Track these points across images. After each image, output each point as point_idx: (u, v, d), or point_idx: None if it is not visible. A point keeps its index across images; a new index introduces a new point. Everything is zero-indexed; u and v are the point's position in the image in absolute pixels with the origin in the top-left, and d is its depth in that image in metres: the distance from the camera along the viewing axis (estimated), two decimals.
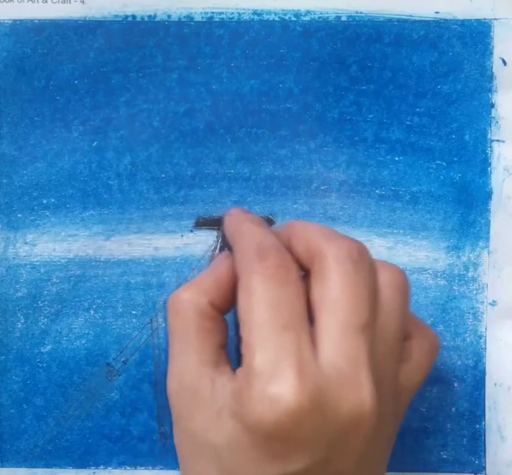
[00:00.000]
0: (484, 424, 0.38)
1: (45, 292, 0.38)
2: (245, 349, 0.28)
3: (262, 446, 0.27)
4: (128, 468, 0.38)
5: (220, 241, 0.38)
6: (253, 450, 0.27)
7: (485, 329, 0.38)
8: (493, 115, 0.38)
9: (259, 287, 0.28)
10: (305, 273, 0.30)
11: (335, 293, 0.28)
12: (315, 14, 0.38)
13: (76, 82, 0.38)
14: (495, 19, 0.38)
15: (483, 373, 0.38)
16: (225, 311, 0.32)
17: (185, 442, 0.31)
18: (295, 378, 0.26)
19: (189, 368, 0.30)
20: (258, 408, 0.26)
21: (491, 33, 0.38)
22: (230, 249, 0.33)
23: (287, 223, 0.33)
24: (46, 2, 0.38)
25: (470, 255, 0.38)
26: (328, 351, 0.27)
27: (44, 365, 0.38)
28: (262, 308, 0.27)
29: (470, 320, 0.38)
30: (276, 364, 0.26)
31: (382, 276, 0.30)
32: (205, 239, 0.38)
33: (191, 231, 0.38)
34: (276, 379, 0.26)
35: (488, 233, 0.38)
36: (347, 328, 0.27)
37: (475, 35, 0.38)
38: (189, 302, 0.30)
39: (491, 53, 0.38)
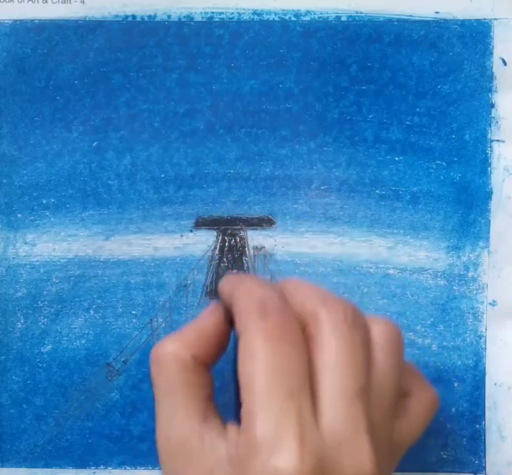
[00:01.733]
0: (484, 424, 0.38)
1: (45, 292, 0.38)
2: (245, 413, 0.27)
3: None
4: (128, 468, 0.38)
5: (219, 241, 0.38)
6: None
7: (485, 329, 0.38)
8: (493, 115, 0.38)
9: (261, 349, 0.27)
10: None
11: (332, 358, 0.28)
12: (315, 14, 0.38)
13: (76, 82, 0.38)
14: (495, 19, 0.38)
15: (483, 373, 0.38)
16: (211, 365, 0.31)
17: None
18: (297, 450, 0.26)
19: (176, 424, 0.30)
20: None
21: (491, 33, 0.38)
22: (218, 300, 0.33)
23: (282, 281, 0.32)
24: (46, 2, 0.38)
25: (470, 255, 0.38)
26: (328, 417, 0.27)
27: (44, 365, 0.38)
28: (264, 373, 0.27)
29: (470, 320, 0.38)
30: (278, 434, 0.26)
31: (375, 333, 0.30)
32: (205, 239, 0.38)
33: (191, 231, 0.38)
34: (278, 451, 0.26)
35: (488, 233, 0.38)
36: (345, 392, 0.27)
37: (475, 35, 0.38)
38: (171, 355, 0.30)
39: (491, 53, 0.38)
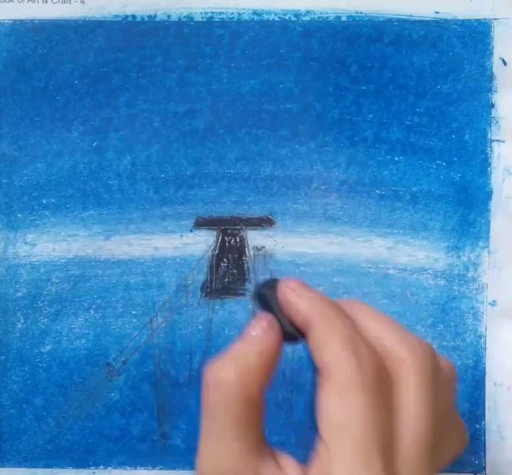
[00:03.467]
0: (484, 424, 0.38)
1: (45, 292, 0.38)
2: (326, 464, 0.26)
3: None
4: (128, 468, 0.38)
5: (219, 241, 0.38)
6: None
7: (485, 329, 0.38)
8: (493, 115, 0.38)
9: (358, 399, 0.26)
10: None
11: (417, 407, 0.27)
12: (315, 14, 0.38)
13: (76, 82, 0.38)
14: (495, 19, 0.38)
15: (483, 373, 0.38)
16: (268, 384, 0.28)
17: None
18: None
19: (230, 455, 0.27)
20: None
21: (491, 33, 0.38)
22: (265, 307, 0.29)
23: (344, 302, 0.30)
24: (46, 2, 0.38)
25: (470, 255, 0.38)
26: (405, 471, 0.26)
27: (44, 365, 0.38)
28: (356, 426, 0.26)
29: (470, 320, 0.38)
30: None
31: (444, 376, 0.29)
32: (205, 239, 0.38)
33: (191, 231, 0.38)
34: None
35: (488, 233, 0.38)
36: (424, 449, 0.27)
37: (475, 35, 0.38)
38: (237, 385, 0.27)
39: (491, 53, 0.38)
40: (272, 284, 0.29)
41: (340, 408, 0.26)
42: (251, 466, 0.27)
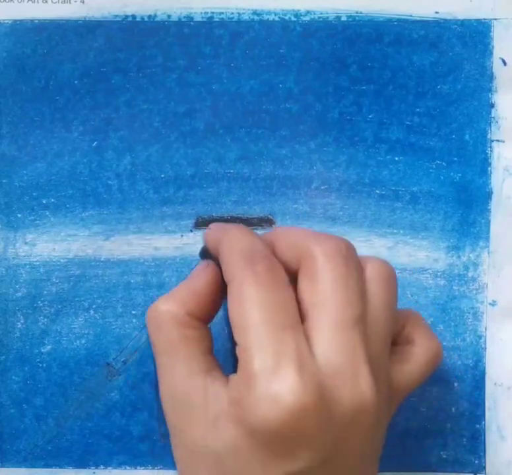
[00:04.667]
0: (484, 424, 0.38)
1: (45, 292, 0.38)
2: (241, 354, 0.28)
3: (267, 447, 0.27)
4: (128, 468, 0.38)
5: None
6: (258, 452, 0.27)
7: (485, 329, 0.38)
8: (493, 115, 0.38)
9: (252, 293, 0.28)
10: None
11: (327, 289, 0.28)
12: (315, 14, 0.38)
13: (76, 82, 0.38)
14: (495, 19, 0.38)
15: (483, 373, 0.38)
16: (207, 321, 0.32)
17: (184, 453, 0.30)
18: (296, 376, 0.26)
19: (179, 379, 0.30)
20: (262, 409, 0.26)
21: (491, 33, 0.38)
22: (209, 258, 0.33)
23: (269, 232, 0.33)
24: (46, 2, 0.38)
25: (470, 255, 0.38)
26: (324, 348, 0.27)
27: (44, 365, 0.38)
28: (257, 311, 0.27)
29: (470, 320, 0.38)
30: (275, 364, 0.26)
31: (369, 270, 0.30)
32: None
33: (191, 231, 0.38)
34: (277, 378, 0.26)
35: (488, 233, 0.38)
36: (341, 323, 0.28)
37: (475, 35, 0.38)
38: (166, 313, 0.31)
39: (491, 53, 0.38)
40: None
41: (236, 305, 0.28)
42: (198, 385, 0.29)
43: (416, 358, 0.32)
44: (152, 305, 0.31)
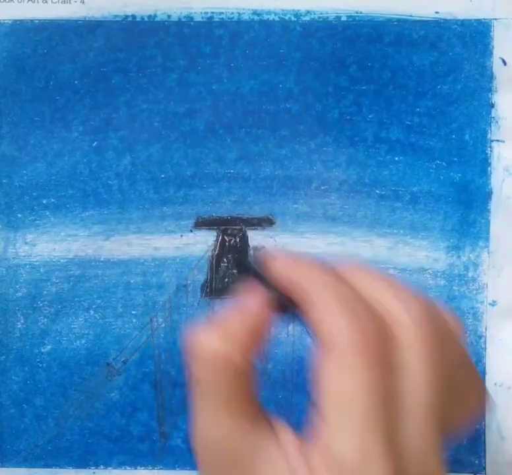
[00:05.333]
0: (484, 424, 0.38)
1: (45, 292, 0.38)
2: (324, 428, 0.25)
3: None
4: (128, 468, 0.38)
5: (219, 241, 0.38)
6: None
7: (485, 329, 0.38)
8: (493, 115, 0.38)
9: (361, 371, 0.24)
10: None
11: (422, 375, 0.25)
12: (315, 14, 0.38)
13: (76, 82, 0.38)
14: (495, 19, 0.38)
15: (483, 373, 0.38)
16: (258, 356, 0.27)
17: None
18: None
19: (223, 431, 0.26)
20: None
21: (491, 33, 0.38)
22: (251, 272, 0.28)
23: (338, 263, 0.28)
24: (46, 2, 0.38)
25: (470, 255, 0.38)
26: (411, 438, 0.25)
27: (44, 365, 0.38)
28: (364, 397, 0.24)
29: (470, 320, 0.38)
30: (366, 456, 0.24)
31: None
32: (205, 239, 0.38)
33: (191, 231, 0.38)
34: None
35: (488, 233, 0.38)
36: (429, 412, 0.25)
37: (475, 35, 0.38)
38: (221, 354, 0.26)
39: (491, 53, 0.38)
40: (258, 255, 0.28)
41: (342, 378, 0.24)
42: (246, 441, 0.26)
43: (468, 404, 0.28)
44: (198, 333, 0.26)
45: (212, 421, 0.26)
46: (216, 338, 0.26)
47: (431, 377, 0.25)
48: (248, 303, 0.27)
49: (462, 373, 0.27)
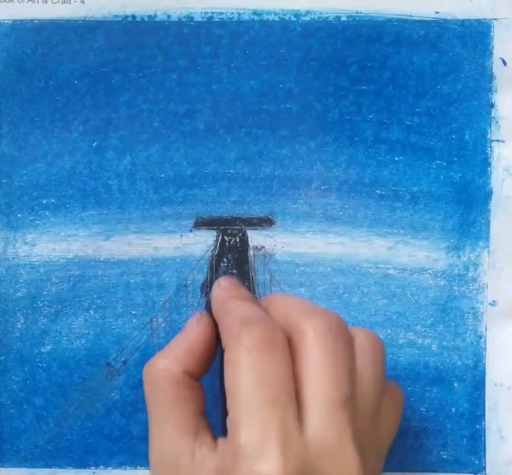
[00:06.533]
0: (484, 424, 0.38)
1: (45, 292, 0.38)
2: (230, 424, 0.28)
3: None
4: (128, 468, 0.38)
5: (219, 241, 0.38)
6: None
7: (485, 329, 0.38)
8: (493, 115, 0.38)
9: (245, 359, 0.28)
10: None
11: (316, 368, 0.28)
12: (315, 14, 0.38)
13: (76, 82, 0.38)
14: (495, 19, 0.38)
15: (483, 373, 0.38)
16: (201, 377, 0.32)
17: None
18: (280, 456, 0.26)
19: (168, 440, 0.30)
20: None
21: (491, 33, 0.38)
22: (209, 312, 0.33)
23: (265, 297, 0.34)
24: (46, 2, 0.38)
25: (470, 255, 0.38)
26: (313, 426, 0.27)
27: (44, 365, 0.38)
28: (248, 383, 0.27)
29: (470, 320, 0.38)
30: (261, 441, 0.26)
31: (358, 343, 0.30)
32: (204, 239, 0.38)
33: (191, 231, 0.38)
34: (261, 457, 0.26)
35: (488, 233, 0.38)
36: (330, 402, 0.28)
37: (475, 35, 0.38)
38: (163, 372, 0.31)
39: (491, 53, 0.38)
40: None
41: (230, 372, 0.28)
42: (186, 449, 0.29)
43: (389, 409, 0.32)
44: (149, 362, 0.31)
45: (161, 435, 0.30)
46: (159, 359, 0.31)
47: (328, 371, 0.28)
48: (189, 328, 0.32)
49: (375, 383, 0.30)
